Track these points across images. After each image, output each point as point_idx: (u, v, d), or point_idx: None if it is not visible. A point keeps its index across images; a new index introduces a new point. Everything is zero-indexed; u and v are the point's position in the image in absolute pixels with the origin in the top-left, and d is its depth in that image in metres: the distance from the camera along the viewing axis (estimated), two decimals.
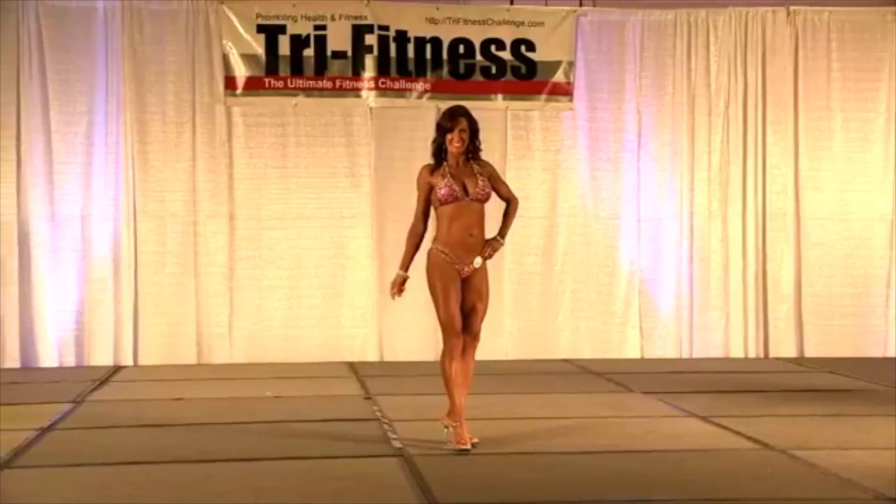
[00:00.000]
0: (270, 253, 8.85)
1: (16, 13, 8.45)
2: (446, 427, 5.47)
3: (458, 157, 5.49)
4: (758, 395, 7.26)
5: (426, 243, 5.57)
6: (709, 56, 9.20)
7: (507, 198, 5.63)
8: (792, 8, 9.25)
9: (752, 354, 9.20)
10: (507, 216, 5.61)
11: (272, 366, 8.47)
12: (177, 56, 8.71)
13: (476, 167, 5.52)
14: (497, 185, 5.59)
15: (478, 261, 5.45)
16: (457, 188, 5.42)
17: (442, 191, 5.43)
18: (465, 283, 5.45)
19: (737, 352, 9.19)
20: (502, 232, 5.55)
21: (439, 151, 5.51)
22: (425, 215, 5.56)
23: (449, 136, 5.46)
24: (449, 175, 5.45)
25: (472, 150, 5.52)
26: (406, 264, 5.54)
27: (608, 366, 8.56)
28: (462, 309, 5.46)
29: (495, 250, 5.49)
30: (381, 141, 8.95)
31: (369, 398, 7.07)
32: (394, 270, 5.63)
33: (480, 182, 5.47)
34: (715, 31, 9.21)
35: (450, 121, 5.49)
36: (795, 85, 9.26)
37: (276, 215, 8.86)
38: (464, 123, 5.46)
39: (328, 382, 7.80)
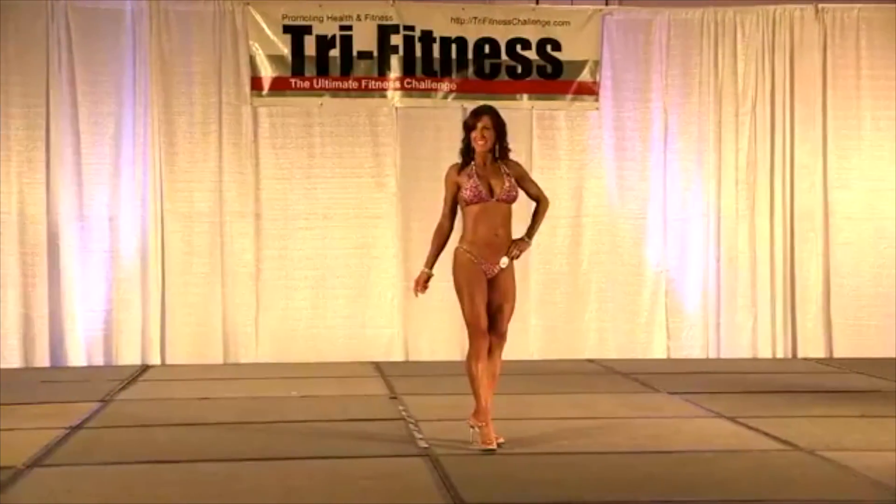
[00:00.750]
0: (296, 253, 8.88)
1: (45, 15, 8.53)
2: (472, 427, 5.47)
3: (484, 156, 5.48)
4: (786, 396, 7.21)
5: (453, 243, 5.56)
6: (736, 55, 9.15)
7: (536, 197, 5.62)
8: (820, 6, 9.18)
9: (780, 355, 9.14)
10: (536, 216, 5.60)
11: (298, 365, 8.50)
12: (203, 57, 8.76)
13: (504, 168, 5.51)
14: (526, 184, 5.58)
15: (504, 261, 5.44)
16: (482, 189, 5.41)
17: (467, 191, 5.42)
18: (492, 283, 5.44)
19: (765, 352, 9.14)
20: (530, 232, 5.54)
21: (467, 151, 5.50)
22: (452, 214, 5.55)
23: (473, 134, 5.46)
24: (475, 175, 5.44)
25: (499, 149, 5.51)
26: (431, 262, 5.55)
27: (634, 366, 8.52)
28: (488, 309, 5.45)
29: (522, 251, 5.47)
30: (407, 141, 8.96)
31: (395, 398, 7.07)
32: (419, 269, 5.63)
33: (507, 183, 5.45)
34: (742, 30, 9.16)
35: (473, 119, 5.49)
36: (824, 83, 9.19)
37: (302, 215, 8.89)
38: (486, 121, 5.44)
39: (354, 382, 7.81)
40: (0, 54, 8.50)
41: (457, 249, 5.49)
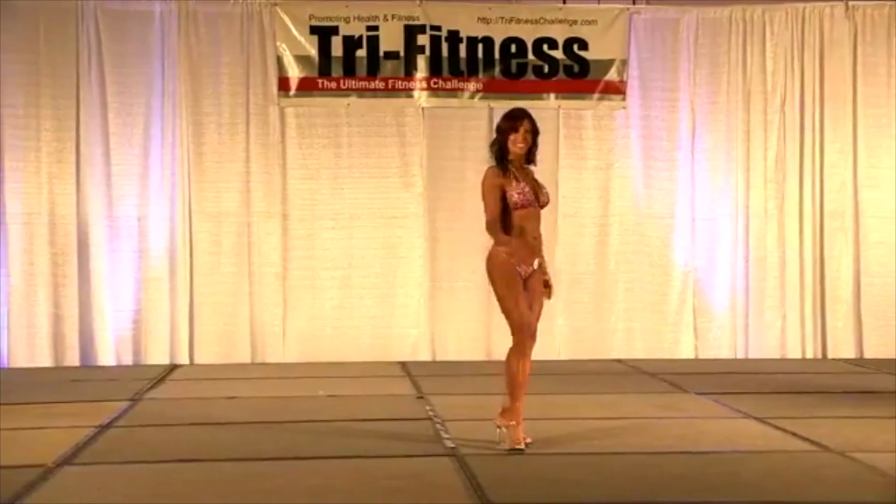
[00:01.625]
0: (323, 253, 8.90)
1: (75, 17, 8.60)
2: (499, 427, 5.46)
3: (520, 159, 5.46)
4: (815, 397, 7.15)
5: (485, 245, 5.54)
6: (765, 53, 9.09)
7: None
8: (851, 3, 9.10)
9: (809, 355, 9.07)
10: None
11: (325, 365, 8.52)
12: (231, 58, 8.80)
13: (531, 172, 5.50)
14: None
15: (536, 262, 5.46)
16: (530, 195, 5.40)
17: (516, 196, 5.37)
18: (524, 283, 5.44)
19: (794, 352, 9.07)
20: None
21: (502, 153, 5.47)
22: (504, 214, 5.41)
23: (513, 137, 5.43)
24: (520, 179, 5.41)
25: (532, 153, 5.50)
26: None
27: (662, 366, 8.48)
28: None
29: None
30: (433, 141, 8.96)
31: (421, 397, 7.08)
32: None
33: (544, 189, 5.50)
34: (771, 28, 9.09)
35: (514, 121, 5.46)
36: (854, 81, 9.10)
37: (328, 215, 8.91)
38: (527, 124, 5.44)
39: (380, 382, 7.82)
40: (31, 56, 8.57)
41: (494, 250, 5.45)
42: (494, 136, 5.57)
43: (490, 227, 5.42)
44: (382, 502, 4.62)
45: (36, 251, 8.61)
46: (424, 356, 8.90)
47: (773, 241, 9.11)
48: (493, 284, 5.45)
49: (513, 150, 5.44)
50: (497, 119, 8.71)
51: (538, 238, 5.46)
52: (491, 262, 5.44)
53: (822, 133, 9.11)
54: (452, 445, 5.54)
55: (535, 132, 5.47)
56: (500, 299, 5.44)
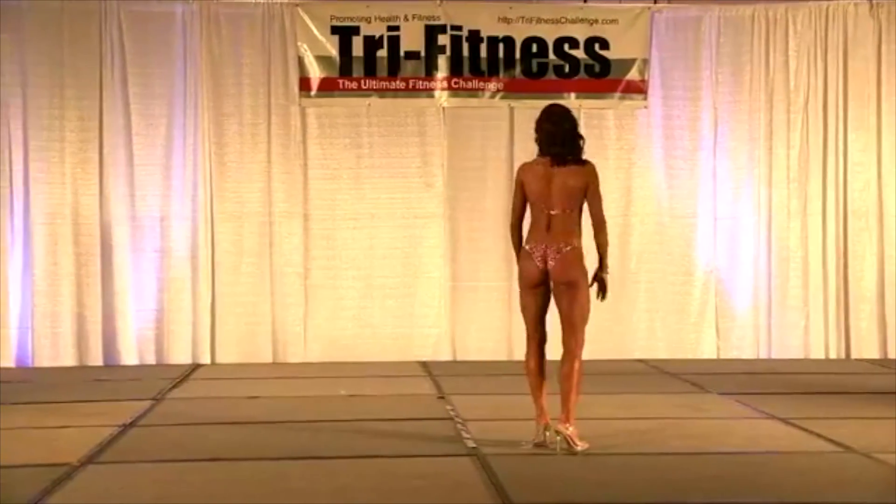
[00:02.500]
0: (344, 252, 8.92)
1: (98, 18, 8.65)
2: (555, 431, 5.38)
3: (558, 154, 5.45)
4: (840, 397, 7.10)
5: (506, 244, 5.55)
6: (787, 51, 9.04)
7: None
8: (875, 1, 9.03)
9: (833, 355, 9.01)
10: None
11: (346, 365, 8.53)
12: (253, 58, 8.83)
13: (574, 166, 5.47)
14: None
15: (562, 252, 5.45)
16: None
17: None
18: (548, 280, 5.46)
19: (817, 352, 9.01)
20: (602, 264, 5.57)
21: (539, 148, 5.48)
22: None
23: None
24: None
25: (572, 147, 5.47)
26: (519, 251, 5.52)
27: (684, 366, 8.45)
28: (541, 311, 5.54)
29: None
30: (454, 141, 8.96)
31: (442, 397, 7.07)
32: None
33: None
34: (794, 26, 9.04)
35: (544, 114, 5.49)
36: (878, 80, 9.03)
37: (350, 215, 8.92)
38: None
39: (402, 381, 7.83)
40: (55, 58, 8.63)
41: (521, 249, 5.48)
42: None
43: (510, 229, 5.53)
44: (404, 502, 4.62)
45: (60, 251, 8.67)
46: (445, 356, 8.90)
47: (797, 241, 9.05)
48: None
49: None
50: (517, 119, 8.79)
51: (558, 236, 5.38)
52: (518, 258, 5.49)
53: (845, 132, 9.05)
54: (473, 445, 5.53)
55: (567, 123, 5.44)
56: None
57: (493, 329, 8.83)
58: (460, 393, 7.20)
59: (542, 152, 5.48)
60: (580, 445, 5.35)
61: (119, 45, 8.69)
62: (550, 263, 5.37)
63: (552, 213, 5.38)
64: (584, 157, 5.51)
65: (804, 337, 9.03)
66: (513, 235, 5.54)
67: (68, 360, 8.62)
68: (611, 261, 8.79)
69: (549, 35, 8.94)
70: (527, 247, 5.44)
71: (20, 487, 4.70)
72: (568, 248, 5.38)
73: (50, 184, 8.67)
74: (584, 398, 7.04)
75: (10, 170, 8.60)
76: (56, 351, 8.63)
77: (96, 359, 8.65)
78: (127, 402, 6.84)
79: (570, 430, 5.37)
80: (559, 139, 5.43)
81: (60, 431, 6.00)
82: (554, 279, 5.40)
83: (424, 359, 8.77)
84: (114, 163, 8.72)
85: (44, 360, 8.60)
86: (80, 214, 8.71)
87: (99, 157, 8.70)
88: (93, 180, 8.71)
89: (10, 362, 8.54)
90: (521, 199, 5.50)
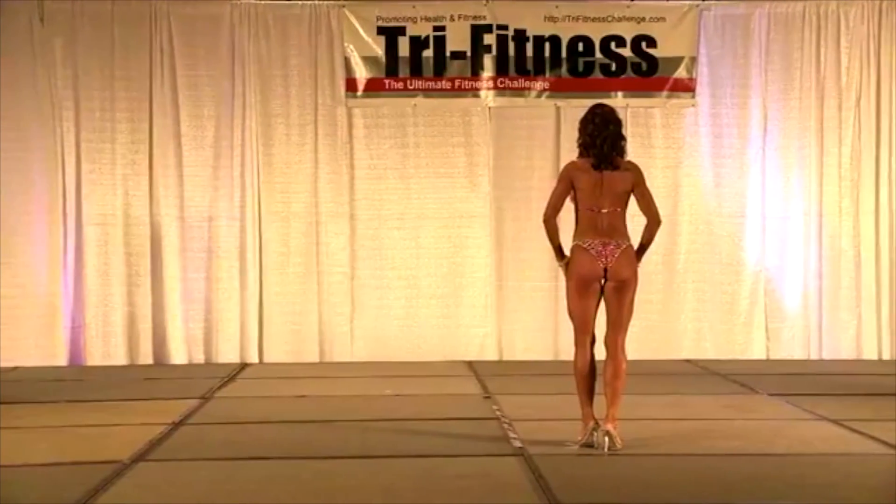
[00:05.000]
0: (390, 252, 8.94)
1: (148, 20, 8.75)
2: (604, 431, 5.38)
3: (604, 152, 5.43)
4: (892, 399, 6.96)
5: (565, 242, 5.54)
6: (839, 48, 8.91)
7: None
8: None
9: (885, 356, 8.87)
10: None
11: (392, 364, 8.55)
12: (299, 59, 8.88)
13: (621, 165, 5.46)
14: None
15: (619, 251, 5.41)
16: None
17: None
18: (603, 281, 5.42)
19: (870, 353, 8.87)
20: (638, 254, 5.48)
21: (584, 147, 5.46)
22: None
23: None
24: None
25: (615, 146, 5.45)
26: (561, 251, 5.47)
27: (732, 367, 8.36)
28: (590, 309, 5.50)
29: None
30: (500, 140, 8.95)
31: (489, 397, 7.07)
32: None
33: (623, 185, 5.43)
34: (846, 22, 8.91)
35: (590, 114, 5.47)
36: None
37: (395, 215, 8.95)
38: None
39: (448, 381, 7.83)
40: (106, 60, 8.75)
41: (572, 245, 5.46)
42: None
43: (545, 221, 5.47)
44: (451, 502, 4.62)
45: (111, 252, 8.78)
46: (491, 356, 8.89)
47: (848, 240, 8.92)
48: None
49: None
50: (563, 118, 8.75)
51: (613, 233, 5.36)
52: (570, 255, 5.43)
53: None
54: (520, 445, 5.52)
55: (612, 125, 5.42)
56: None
57: (540, 329, 8.80)
58: (506, 393, 7.19)
59: (586, 153, 5.45)
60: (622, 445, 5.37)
61: (168, 47, 8.79)
62: (609, 259, 5.35)
63: (603, 211, 5.38)
64: (627, 157, 5.51)
65: (856, 338, 8.90)
66: (548, 228, 5.49)
67: (119, 358, 8.73)
68: (658, 259, 8.92)
69: (596, 34, 8.89)
70: (582, 243, 5.40)
71: (72, 484, 4.77)
72: (626, 245, 5.39)
73: (101, 185, 8.79)
74: (631, 398, 7.00)
75: (63, 172, 8.73)
76: (107, 350, 8.74)
77: (146, 357, 8.76)
78: (176, 401, 6.92)
79: (616, 430, 5.34)
80: (605, 140, 5.40)
81: (112, 429, 6.08)
82: (610, 276, 5.37)
83: (470, 359, 8.77)
84: (163, 164, 8.82)
85: (96, 358, 8.72)
86: (131, 215, 8.82)
87: (149, 158, 8.80)
88: (143, 181, 8.81)
89: (63, 361, 8.68)
90: (562, 195, 5.47)
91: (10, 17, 8.63)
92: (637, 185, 5.46)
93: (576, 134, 5.60)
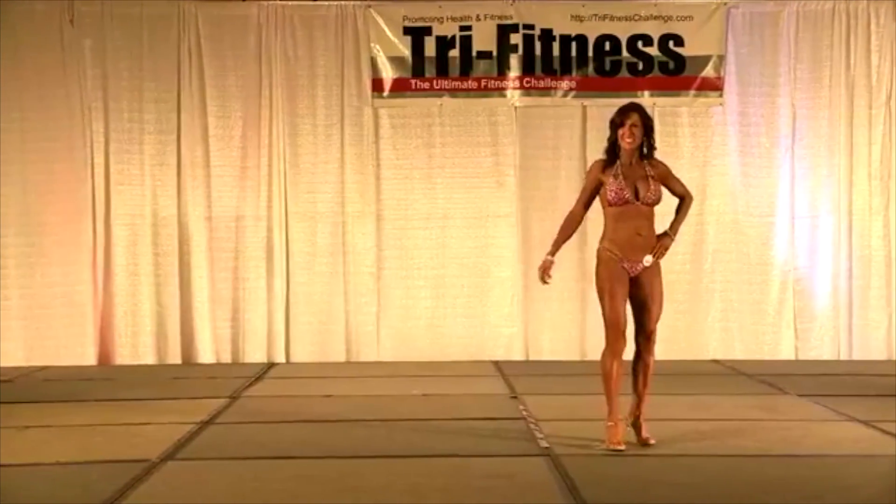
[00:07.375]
0: (416, 252, 8.95)
1: (176, 23, 8.81)
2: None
3: (631, 154, 5.41)
4: None
5: (593, 242, 5.50)
6: (869, 46, 8.84)
7: (680, 195, 5.53)
8: None
9: None
10: (680, 212, 5.50)
11: (419, 364, 8.56)
12: (326, 59, 8.91)
13: (648, 167, 5.43)
14: (670, 183, 5.49)
15: (648, 259, 5.36)
16: (627, 192, 5.34)
17: (611, 193, 5.37)
18: (636, 281, 5.37)
19: None
20: (673, 227, 5.44)
21: (612, 149, 5.44)
22: (586, 208, 5.51)
23: (620, 132, 5.39)
24: (621, 176, 5.37)
25: (646, 148, 5.44)
26: (555, 250, 5.48)
27: (761, 367, 8.31)
28: (634, 309, 5.41)
29: (666, 248, 5.39)
30: (526, 140, 8.94)
31: (515, 397, 7.06)
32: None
33: (652, 185, 5.39)
34: (876, 20, 8.83)
35: (620, 116, 5.42)
36: None
37: (422, 215, 8.96)
38: (635, 118, 5.39)
39: (474, 381, 7.83)
40: (134, 61, 8.81)
41: (599, 249, 5.44)
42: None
43: (571, 216, 5.48)
44: (478, 501, 4.62)
45: (139, 251, 8.85)
46: (518, 356, 8.88)
47: (879, 240, 8.85)
48: (595, 282, 5.44)
49: (621, 145, 5.40)
50: (590, 118, 8.72)
51: (645, 235, 5.35)
52: (596, 260, 5.43)
53: None
54: (546, 445, 5.51)
55: (646, 126, 5.42)
56: (599, 297, 5.42)
57: (566, 329, 8.79)
58: (533, 393, 7.17)
59: (615, 151, 5.43)
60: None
61: (196, 48, 8.84)
62: (633, 271, 5.34)
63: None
64: (655, 155, 5.51)
65: (886, 338, 8.82)
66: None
67: (148, 358, 8.79)
68: (685, 258, 8.87)
69: (623, 33, 8.86)
70: (610, 251, 5.39)
71: (102, 483, 4.80)
72: (653, 261, 5.39)
73: (130, 185, 8.86)
74: (659, 399, 6.97)
75: (93, 172, 8.81)
76: (136, 349, 8.81)
77: (175, 357, 8.81)
78: (204, 400, 6.96)
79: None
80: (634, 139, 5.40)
81: (141, 428, 6.12)
82: (637, 278, 5.36)
83: (497, 358, 8.76)
84: (191, 164, 8.88)
85: (125, 358, 8.79)
86: (159, 215, 8.88)
87: (177, 158, 8.86)
88: (171, 181, 8.87)
89: (92, 360, 8.75)
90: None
91: (40, 19, 8.71)
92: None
93: (604, 132, 5.58)
